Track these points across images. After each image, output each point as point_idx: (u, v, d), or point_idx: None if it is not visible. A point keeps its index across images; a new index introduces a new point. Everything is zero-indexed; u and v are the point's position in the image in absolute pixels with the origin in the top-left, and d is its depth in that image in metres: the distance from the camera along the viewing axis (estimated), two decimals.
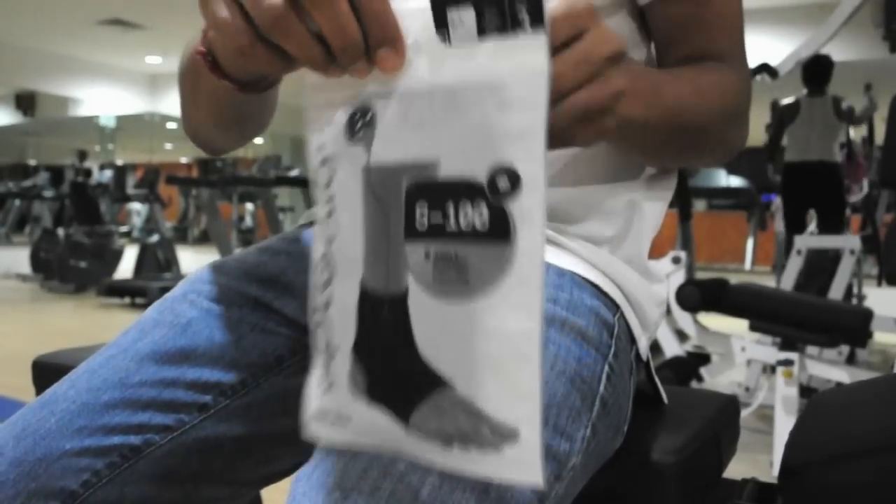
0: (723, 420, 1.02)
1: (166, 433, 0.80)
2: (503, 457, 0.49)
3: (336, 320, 0.56)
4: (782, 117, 5.89)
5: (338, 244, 0.56)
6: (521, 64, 0.48)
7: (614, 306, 0.82)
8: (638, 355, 0.87)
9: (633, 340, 0.85)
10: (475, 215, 0.49)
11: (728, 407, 1.06)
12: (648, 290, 0.88)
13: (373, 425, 0.55)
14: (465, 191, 0.49)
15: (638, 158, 0.89)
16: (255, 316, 0.87)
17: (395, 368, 0.53)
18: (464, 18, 0.49)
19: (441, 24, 0.50)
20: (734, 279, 3.43)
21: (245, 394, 0.84)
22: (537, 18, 0.47)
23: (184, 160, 22.84)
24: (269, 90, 0.72)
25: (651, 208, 0.91)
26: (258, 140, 12.56)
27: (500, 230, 0.48)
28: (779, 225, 7.39)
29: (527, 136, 0.48)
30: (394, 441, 0.55)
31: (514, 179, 0.48)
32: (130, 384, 0.81)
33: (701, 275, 4.19)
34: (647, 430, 0.89)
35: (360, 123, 0.54)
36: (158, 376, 0.82)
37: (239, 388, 0.84)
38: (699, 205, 14.16)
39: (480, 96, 0.49)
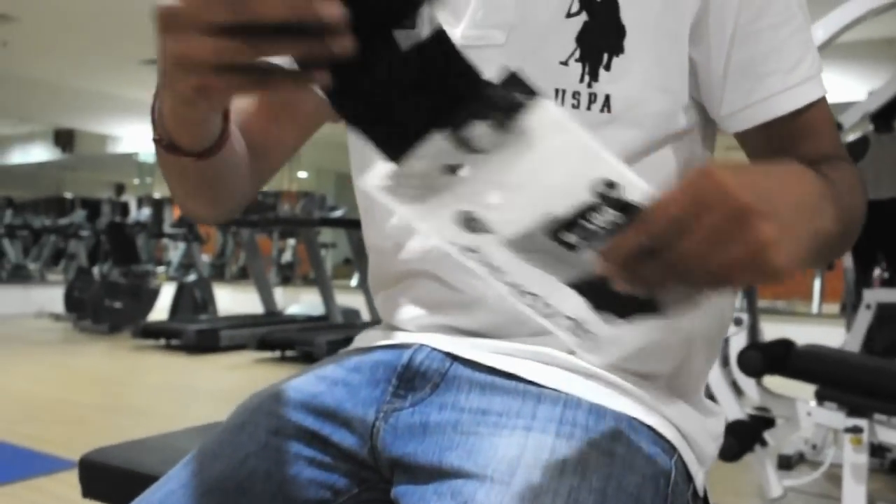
0: None
1: None
2: None
3: None
4: (850, 154, 5.81)
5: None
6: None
7: (671, 449, 0.85)
8: (695, 491, 0.89)
9: (689, 478, 0.87)
10: (606, 217, 0.60)
11: None
12: (705, 425, 0.91)
13: None
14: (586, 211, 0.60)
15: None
16: (312, 450, 0.90)
17: None
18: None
19: None
20: (801, 326, 3.37)
21: None
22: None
23: None
24: (225, 155, 0.82)
25: (707, 343, 0.95)
26: (302, 174, 12.68)
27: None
28: (847, 261, 7.26)
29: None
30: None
31: (612, 184, 0.59)
32: None
33: (765, 316, 4.11)
34: None
35: (471, 222, 0.64)
36: None
37: None
38: None
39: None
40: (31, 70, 11.99)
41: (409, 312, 0.97)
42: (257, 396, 0.97)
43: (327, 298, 8.23)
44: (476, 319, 0.91)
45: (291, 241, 13.28)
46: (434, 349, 0.91)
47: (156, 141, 0.79)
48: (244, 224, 7.89)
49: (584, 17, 0.86)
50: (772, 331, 4.45)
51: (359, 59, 0.56)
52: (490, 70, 0.83)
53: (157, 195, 13.94)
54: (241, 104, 0.98)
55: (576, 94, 0.86)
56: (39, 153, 16.74)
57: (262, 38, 0.54)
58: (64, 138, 15.41)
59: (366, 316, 8.06)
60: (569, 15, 0.86)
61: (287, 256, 13.92)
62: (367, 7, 0.55)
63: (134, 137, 14.65)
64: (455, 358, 0.90)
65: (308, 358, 6.79)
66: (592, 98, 0.86)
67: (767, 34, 0.88)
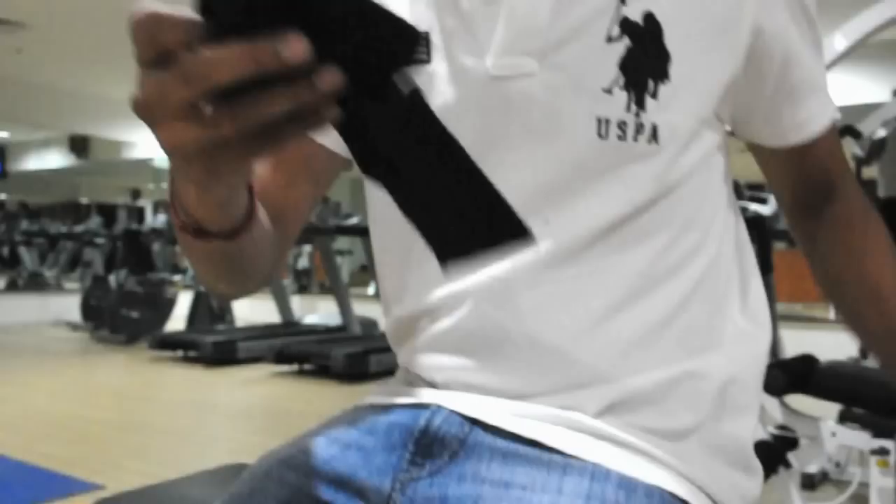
0: None
1: None
2: None
3: None
4: (868, 153, 5.77)
5: None
6: None
7: None
8: None
9: None
10: None
11: None
12: (741, 489, 0.87)
13: None
14: None
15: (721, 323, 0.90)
16: None
17: None
18: None
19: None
20: (818, 332, 3.35)
21: None
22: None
23: None
24: (253, 231, 0.76)
25: (747, 382, 0.89)
26: None
27: None
28: None
29: None
30: None
31: None
32: None
33: (784, 323, 4.07)
34: None
35: None
36: None
37: None
38: (779, 243, 13.92)
39: None
40: (46, 77, 12.07)
41: (429, 360, 0.92)
42: (267, 460, 0.92)
43: (344, 309, 8.23)
44: (499, 370, 0.86)
45: (307, 248, 13.29)
46: (453, 411, 0.86)
47: (180, 228, 0.71)
48: None
49: (626, 41, 0.82)
50: (791, 338, 4.43)
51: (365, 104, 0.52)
52: (525, 103, 0.84)
53: None
54: (256, 172, 0.94)
55: (622, 125, 0.82)
56: (55, 159, 16.87)
57: (240, 104, 0.48)
58: (79, 144, 15.52)
59: (384, 326, 8.01)
60: (609, 40, 0.82)
61: (303, 262, 13.94)
62: (370, 50, 0.50)
63: (148, 143, 14.69)
64: (475, 422, 0.85)
65: (325, 371, 6.80)
66: (640, 128, 0.82)
67: (806, 55, 0.90)
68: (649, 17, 0.82)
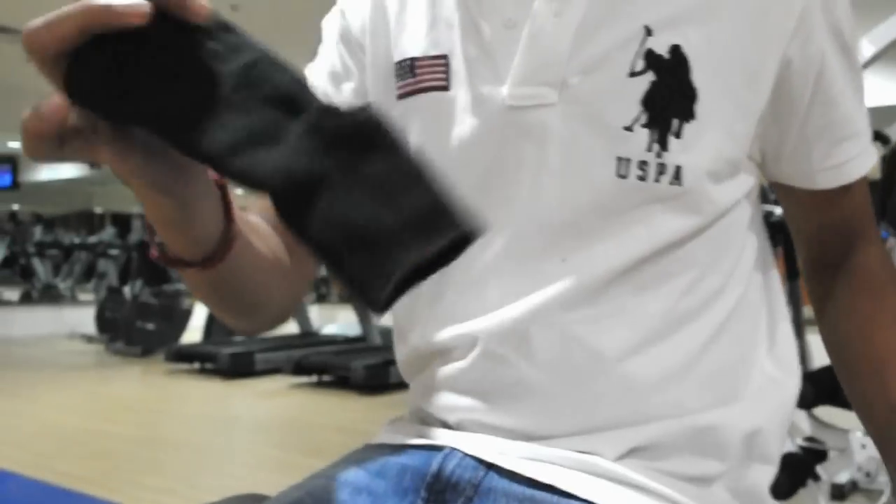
0: None
1: None
2: None
3: None
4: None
5: None
6: None
7: None
8: None
9: None
10: None
11: None
12: None
13: None
14: None
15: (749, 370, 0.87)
16: None
17: None
18: None
19: None
20: None
21: None
22: None
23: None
24: (239, 261, 0.75)
25: (772, 432, 0.87)
26: None
27: None
28: None
29: None
30: None
31: None
32: None
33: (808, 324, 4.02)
34: None
35: None
36: None
37: None
38: None
39: None
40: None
41: (442, 399, 0.89)
42: None
43: (364, 319, 8.23)
44: (514, 412, 0.83)
45: None
46: (466, 455, 0.83)
47: (157, 257, 0.72)
48: None
49: (650, 76, 0.79)
50: (818, 344, 4.37)
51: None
52: (542, 135, 0.81)
53: None
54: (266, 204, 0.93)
55: (643, 165, 0.79)
56: (68, 169, 17.02)
57: None
58: None
59: (397, 354, 7.99)
60: (633, 74, 0.79)
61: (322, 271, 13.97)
62: None
63: None
64: (490, 466, 0.82)
65: (345, 383, 6.80)
66: (661, 169, 0.79)
67: (842, 98, 0.86)
68: (676, 51, 0.79)
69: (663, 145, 0.78)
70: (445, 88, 0.86)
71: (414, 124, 0.88)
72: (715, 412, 0.82)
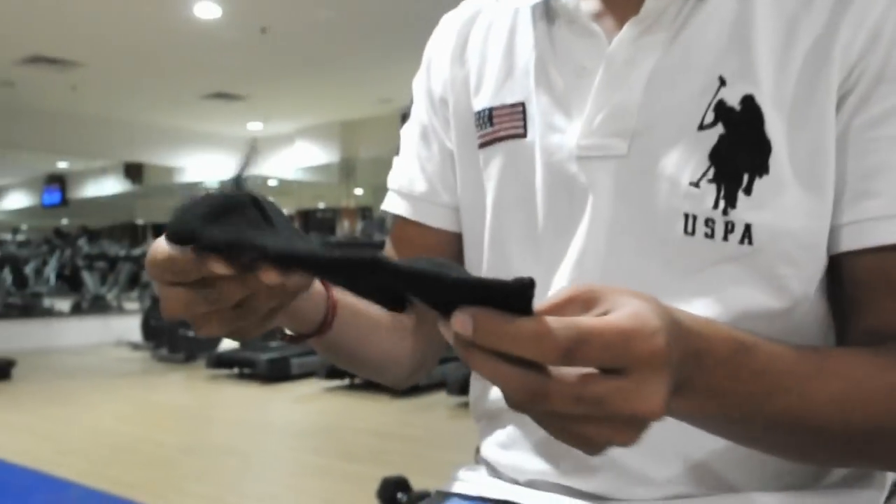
0: None
1: None
2: None
3: None
4: None
5: None
6: None
7: None
8: None
9: None
10: None
11: None
12: None
13: None
14: None
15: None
16: None
17: None
18: None
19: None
20: None
21: None
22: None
23: (285, 212, 23.42)
24: (345, 329, 0.83)
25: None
26: (358, 190, 12.82)
27: None
28: None
29: None
30: None
31: None
32: None
33: None
34: None
35: None
36: None
37: None
38: None
39: None
40: (100, 110, 12.47)
41: (510, 457, 0.86)
42: None
43: None
44: (585, 474, 0.79)
45: None
46: None
47: (283, 335, 0.82)
48: None
49: (719, 129, 0.72)
50: None
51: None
52: (609, 187, 0.77)
53: None
54: None
55: (709, 222, 0.72)
56: (112, 186, 17.36)
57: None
58: (133, 171, 15.96)
59: (471, 396, 7.88)
60: (702, 127, 0.73)
61: None
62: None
63: (198, 167, 15.04)
64: None
65: (376, 385, 6.83)
66: (729, 227, 0.72)
67: (885, 145, 0.70)
68: (748, 101, 0.72)
69: (731, 202, 0.72)
70: (522, 136, 0.84)
71: (493, 172, 0.87)
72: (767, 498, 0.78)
